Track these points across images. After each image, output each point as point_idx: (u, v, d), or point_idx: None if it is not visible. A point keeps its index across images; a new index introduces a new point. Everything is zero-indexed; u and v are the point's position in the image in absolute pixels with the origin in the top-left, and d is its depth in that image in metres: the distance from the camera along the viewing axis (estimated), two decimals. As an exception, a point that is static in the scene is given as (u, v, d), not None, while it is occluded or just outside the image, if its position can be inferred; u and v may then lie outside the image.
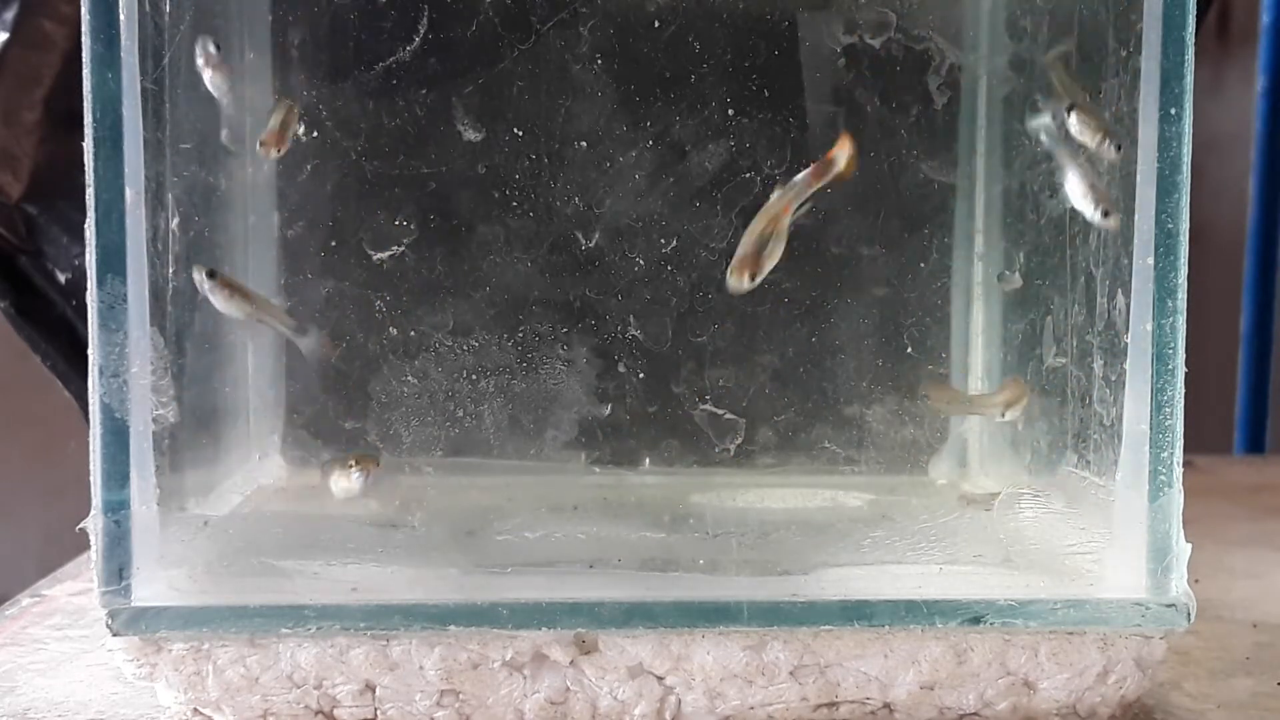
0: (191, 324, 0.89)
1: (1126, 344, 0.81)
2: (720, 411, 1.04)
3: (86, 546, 0.78)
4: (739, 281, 0.82)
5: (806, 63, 1.04)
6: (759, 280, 0.82)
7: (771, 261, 0.82)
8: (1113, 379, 0.85)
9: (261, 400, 1.06)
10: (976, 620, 0.79)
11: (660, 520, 0.95)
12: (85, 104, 0.75)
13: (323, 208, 1.03)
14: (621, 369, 1.04)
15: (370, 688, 0.80)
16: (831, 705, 0.81)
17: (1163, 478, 0.80)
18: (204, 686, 0.79)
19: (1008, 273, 1.03)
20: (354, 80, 1.01)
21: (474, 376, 1.03)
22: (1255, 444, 2.15)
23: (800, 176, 0.85)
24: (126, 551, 0.77)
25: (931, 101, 1.04)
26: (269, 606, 0.78)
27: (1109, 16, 0.85)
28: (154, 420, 0.78)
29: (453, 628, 0.78)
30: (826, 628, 0.80)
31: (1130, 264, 0.80)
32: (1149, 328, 0.79)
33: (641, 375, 1.04)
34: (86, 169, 0.76)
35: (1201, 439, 1.14)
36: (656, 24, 1.02)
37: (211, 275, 0.86)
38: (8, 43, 1.44)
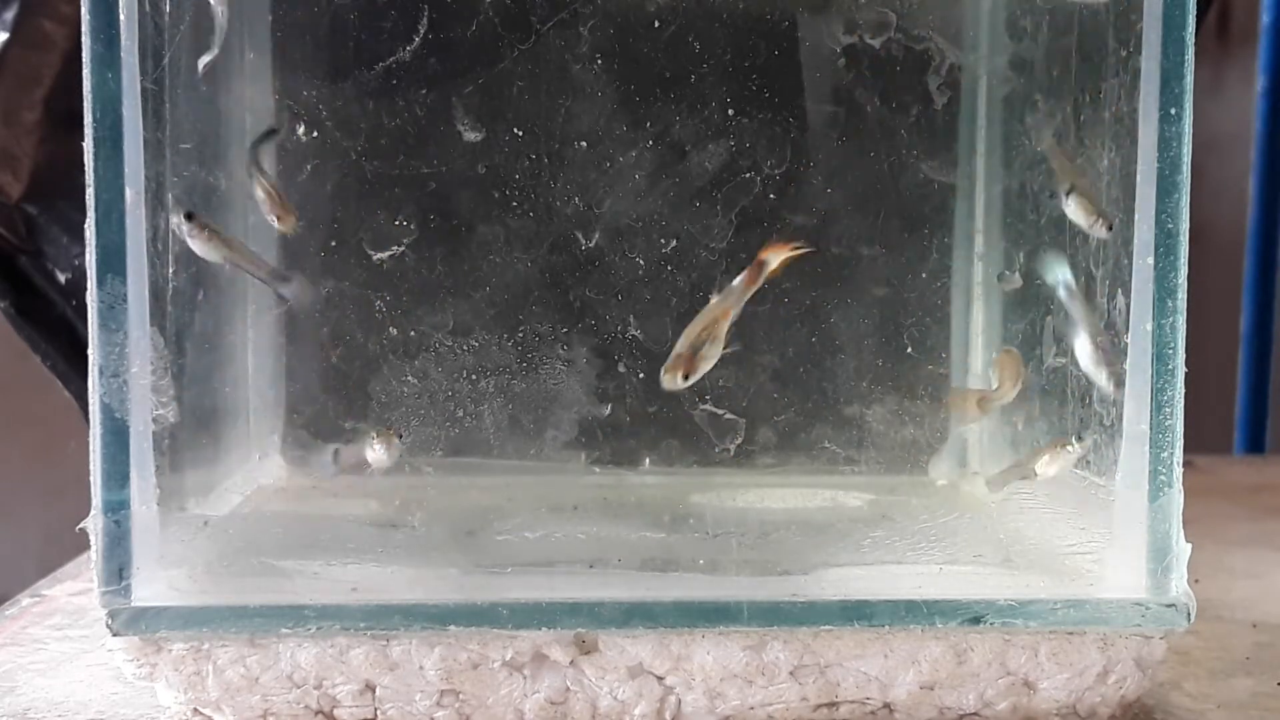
0: (191, 324, 0.89)
1: (1126, 344, 0.81)
2: (720, 411, 1.04)
3: (86, 546, 0.78)
4: (673, 381, 0.83)
5: (806, 63, 1.04)
6: (692, 381, 0.83)
7: (706, 364, 0.83)
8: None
9: (261, 400, 1.06)
10: (976, 620, 0.79)
11: (660, 520, 0.95)
12: (85, 104, 0.75)
13: (323, 208, 1.03)
14: (621, 369, 1.04)
15: (370, 688, 0.80)
16: (831, 705, 0.81)
17: (1163, 478, 0.80)
18: (204, 686, 0.79)
19: (1008, 273, 1.03)
20: (354, 80, 1.01)
21: (474, 376, 1.03)
22: (1255, 444, 2.15)
23: (736, 282, 0.86)
24: (126, 551, 0.77)
25: (931, 101, 1.04)
26: (269, 606, 0.78)
27: (1109, 16, 0.85)
28: (154, 420, 0.78)
29: (453, 628, 0.78)
30: (826, 628, 0.80)
31: (1130, 264, 0.80)
32: (1149, 328, 0.79)
33: (641, 375, 1.04)
34: (86, 169, 0.76)
35: (1201, 439, 1.14)
36: (656, 24, 1.02)
37: (190, 218, 0.83)
38: (8, 43, 1.44)
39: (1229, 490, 1.61)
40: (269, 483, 1.05)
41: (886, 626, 0.80)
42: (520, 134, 1.02)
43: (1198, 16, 0.79)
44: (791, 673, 0.80)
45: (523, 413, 1.04)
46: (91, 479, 0.77)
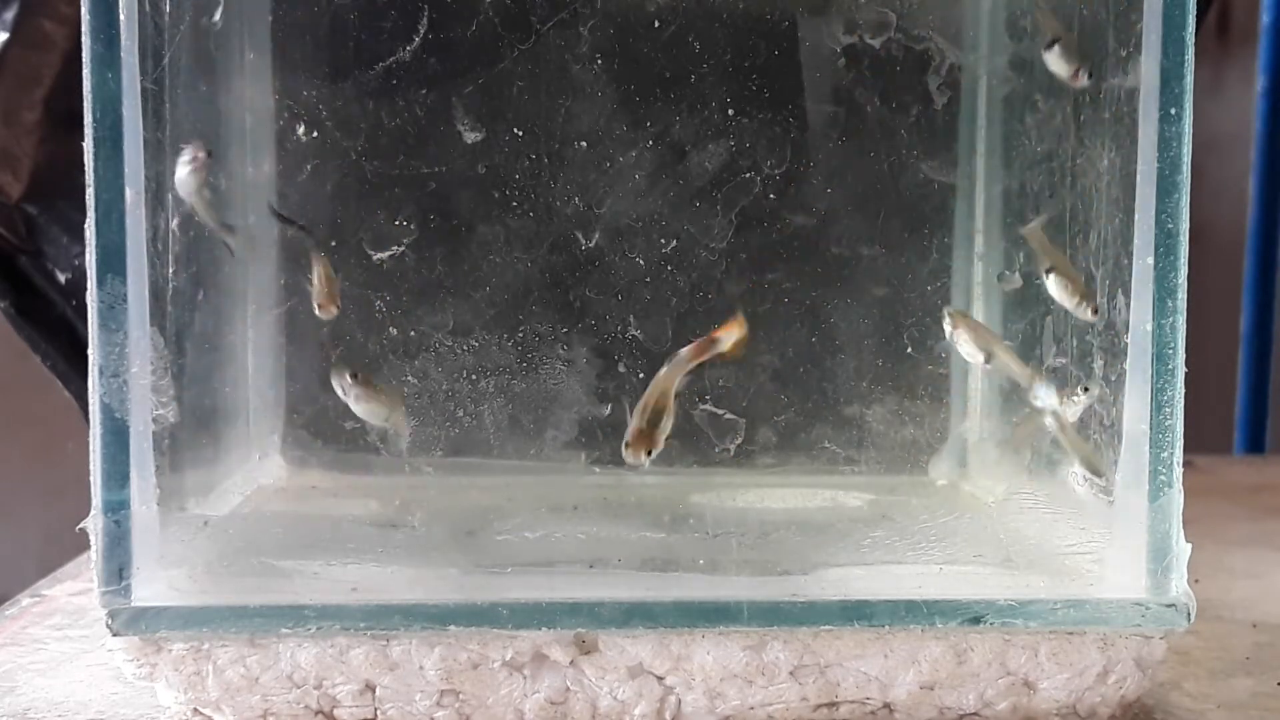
0: (191, 324, 0.89)
1: (1126, 344, 0.81)
2: (720, 411, 1.04)
3: (86, 546, 0.78)
4: (636, 458, 0.83)
5: (806, 63, 1.04)
6: (652, 458, 0.84)
7: (664, 434, 0.84)
8: (1113, 379, 0.85)
9: (261, 400, 1.06)
10: (976, 620, 0.79)
11: (660, 520, 0.95)
12: (85, 104, 0.75)
13: (323, 208, 1.03)
14: (621, 369, 1.04)
15: (370, 688, 0.80)
16: (831, 705, 0.81)
17: (1163, 478, 0.80)
18: (204, 686, 0.79)
19: (1008, 273, 1.03)
20: (354, 80, 1.01)
21: (474, 376, 1.03)
22: (1255, 444, 2.15)
23: (684, 351, 0.87)
24: (126, 551, 0.77)
25: (931, 101, 1.04)
26: (269, 606, 0.78)
27: (1109, 16, 0.85)
28: (154, 420, 0.78)
29: (453, 628, 0.78)
30: (826, 628, 0.80)
31: (1130, 264, 0.80)
32: (1149, 328, 0.79)
33: (641, 375, 1.04)
34: (86, 169, 0.76)
35: (1201, 439, 1.14)
36: (656, 24, 1.02)
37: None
38: (8, 43, 1.44)
39: (1229, 490, 1.61)
40: (269, 483, 1.05)
41: (886, 626, 0.80)
42: (520, 134, 1.02)
43: (1198, 16, 0.79)
44: (791, 673, 0.80)
45: (523, 413, 1.04)
46: (91, 479, 0.77)
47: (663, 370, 0.86)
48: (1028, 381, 0.93)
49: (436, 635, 0.79)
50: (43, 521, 1.84)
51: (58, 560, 1.22)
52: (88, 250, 0.76)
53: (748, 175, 1.03)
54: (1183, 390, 0.80)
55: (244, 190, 1.02)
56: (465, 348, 1.03)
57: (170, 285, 0.83)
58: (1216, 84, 2.15)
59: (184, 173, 0.83)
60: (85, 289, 0.77)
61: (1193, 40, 0.78)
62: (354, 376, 0.88)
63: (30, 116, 1.47)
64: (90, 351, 0.77)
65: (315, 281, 0.92)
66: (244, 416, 1.05)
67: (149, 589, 0.78)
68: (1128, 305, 0.80)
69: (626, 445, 0.83)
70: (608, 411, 1.04)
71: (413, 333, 1.03)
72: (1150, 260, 0.79)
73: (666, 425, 0.84)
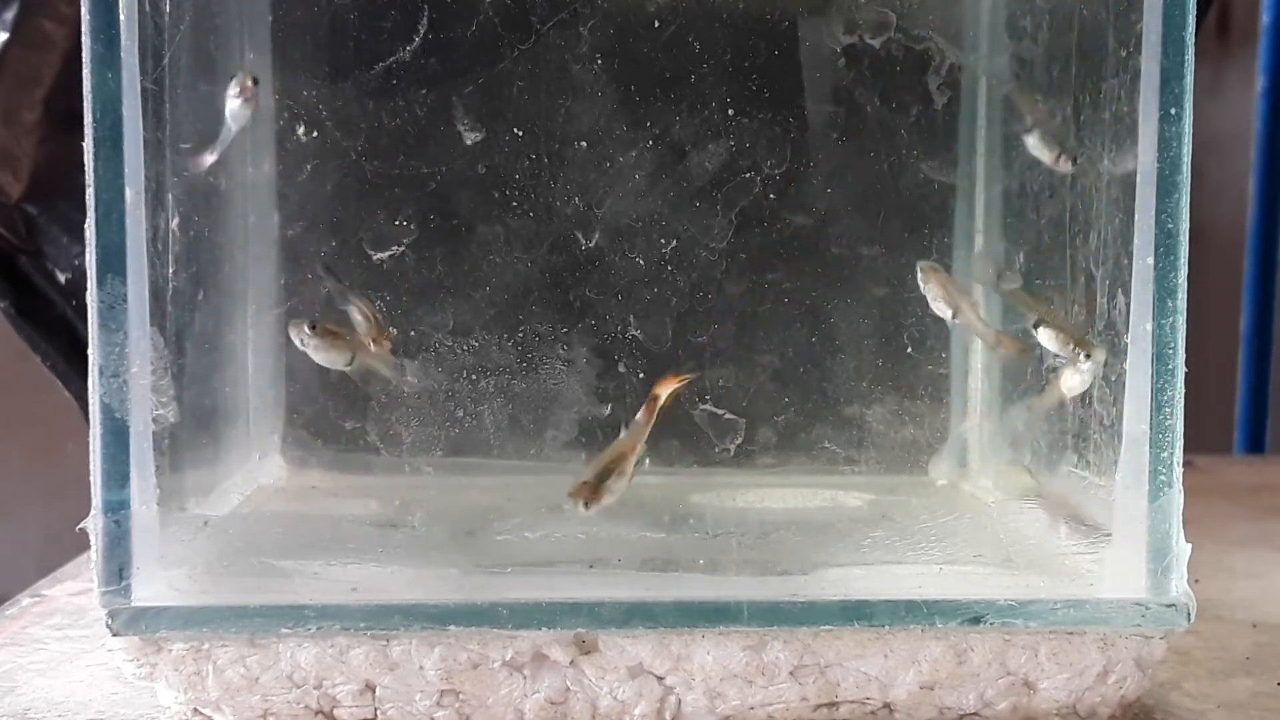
0: (191, 324, 0.89)
1: (1126, 344, 0.81)
2: (720, 411, 1.04)
3: (86, 546, 0.78)
4: (575, 507, 0.84)
5: (806, 63, 1.04)
6: (594, 510, 0.84)
7: (610, 497, 0.85)
8: (1113, 379, 0.85)
9: (261, 400, 1.06)
10: (976, 620, 0.79)
11: (660, 520, 0.95)
12: (85, 104, 0.75)
13: (323, 208, 1.03)
14: (621, 369, 1.04)
15: (370, 688, 0.80)
16: (831, 705, 0.81)
17: (1163, 478, 0.80)
18: (204, 686, 0.79)
19: (1008, 272, 1.03)
20: (354, 80, 1.01)
21: (474, 376, 1.03)
22: (1255, 444, 2.15)
23: (640, 415, 0.90)
24: (126, 551, 0.77)
25: (931, 101, 1.03)
26: (269, 606, 0.78)
27: (1109, 16, 0.85)
28: (154, 420, 0.78)
29: (453, 628, 0.78)
30: (826, 628, 0.80)
31: (1130, 264, 0.80)
32: (1149, 328, 0.79)
33: (641, 375, 1.04)
34: (86, 169, 0.76)
35: (1201, 439, 1.14)
36: (656, 24, 1.02)
37: None
38: (8, 43, 1.44)
39: (1229, 490, 1.61)
40: (269, 483, 1.05)
41: (886, 626, 0.80)
42: (520, 134, 1.02)
43: (1198, 16, 0.79)
44: (791, 673, 0.80)
45: (523, 413, 1.04)
46: (91, 479, 0.77)
47: (624, 434, 0.89)
48: (992, 339, 0.95)
49: (436, 635, 0.79)
50: (43, 521, 1.84)
51: (58, 560, 1.22)
52: (88, 250, 0.76)
53: (748, 175, 1.03)
54: (1183, 390, 0.80)
55: (244, 190, 1.02)
56: (465, 348, 1.03)
57: (170, 285, 0.83)
58: (1216, 84, 2.14)
59: (236, 105, 0.85)
60: (85, 289, 0.76)
61: (1193, 40, 0.78)
62: (311, 328, 0.87)
63: (30, 116, 1.47)
64: (90, 351, 0.77)
65: (359, 320, 0.92)
66: (244, 416, 1.05)
67: (149, 589, 0.78)
68: (1128, 305, 0.80)
69: (569, 494, 0.84)
70: (608, 411, 1.04)
71: (413, 333, 1.03)
72: (1150, 260, 0.79)
73: (617, 488, 0.85)
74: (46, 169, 1.49)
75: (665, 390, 0.91)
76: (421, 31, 0.99)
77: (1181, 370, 0.79)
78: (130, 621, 0.77)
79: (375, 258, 1.02)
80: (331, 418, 1.05)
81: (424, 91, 1.01)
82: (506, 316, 1.04)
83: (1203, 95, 1.61)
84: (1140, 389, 0.80)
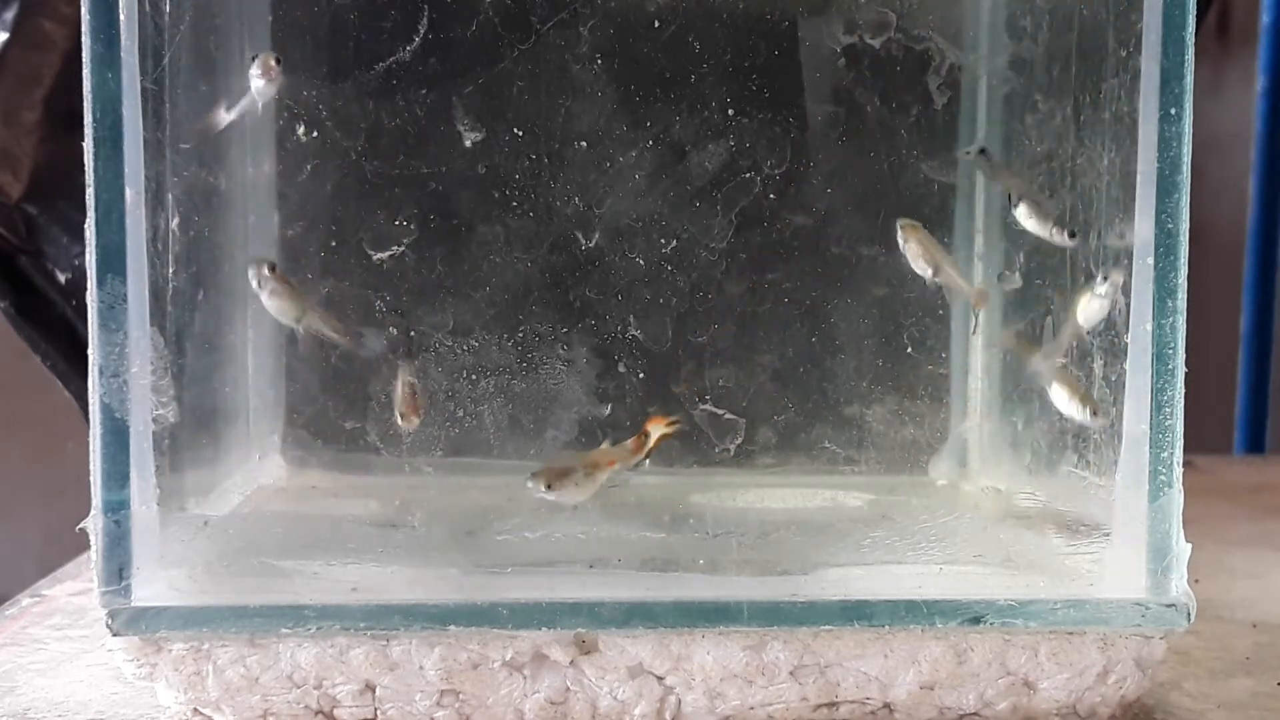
0: (191, 324, 0.89)
1: (1126, 344, 0.81)
2: (720, 411, 1.04)
3: (86, 546, 0.78)
4: (536, 488, 0.85)
5: (806, 63, 1.04)
6: (554, 495, 0.85)
7: (569, 493, 0.86)
8: (1113, 379, 0.85)
9: (261, 400, 1.06)
10: (976, 620, 0.79)
11: (660, 520, 0.95)
12: (85, 104, 0.75)
13: (323, 208, 1.03)
14: (621, 369, 1.04)
15: (370, 688, 0.80)
16: (831, 705, 0.81)
17: (1163, 478, 0.80)
18: (204, 686, 0.79)
19: (1007, 273, 1.03)
20: (354, 80, 1.01)
21: (474, 376, 1.03)
22: (1255, 444, 2.15)
23: (631, 442, 0.92)
24: (126, 551, 0.77)
25: (931, 101, 1.03)
26: (269, 606, 0.78)
27: (1109, 16, 0.85)
28: (154, 420, 0.78)
29: (453, 628, 0.78)
30: (826, 628, 0.80)
31: (1130, 264, 0.80)
32: (1149, 328, 0.79)
33: (641, 375, 1.04)
34: (86, 169, 0.76)
35: (1201, 439, 1.14)
36: (656, 24, 1.02)
37: None
38: (8, 43, 1.44)
39: (1229, 490, 1.61)
40: (269, 483, 1.05)
41: (886, 626, 0.80)
42: (520, 134, 1.02)
43: (1198, 16, 0.79)
44: (791, 673, 0.80)
45: (523, 413, 1.03)
46: (91, 479, 0.77)
47: (609, 446, 0.91)
48: (974, 297, 0.95)
49: (436, 635, 0.79)
50: (43, 521, 1.84)
51: (58, 560, 1.22)
52: (88, 250, 0.76)
53: (748, 175, 1.03)
54: (1183, 390, 0.80)
55: (244, 190, 1.02)
56: (465, 348, 1.03)
57: (170, 285, 0.83)
58: (1216, 84, 2.14)
59: (262, 84, 0.86)
60: (85, 289, 0.76)
61: (1193, 40, 0.78)
62: (271, 268, 0.87)
63: (30, 116, 1.47)
64: (90, 351, 0.77)
65: (398, 390, 0.92)
66: (244, 416, 1.05)
67: (149, 589, 0.78)
68: (1128, 305, 0.80)
69: (531, 475, 0.84)
70: (608, 411, 1.04)
71: (413, 333, 1.03)
72: (1150, 260, 0.79)
73: (582, 483, 0.86)
74: (46, 169, 1.49)
75: (656, 431, 0.93)
76: (421, 31, 0.99)
77: (1181, 370, 0.79)
78: (130, 621, 0.77)
79: (375, 258, 1.02)
80: (331, 418, 1.05)
81: (424, 91, 1.01)
82: (506, 316, 1.04)
83: (1203, 95, 1.62)
84: (1140, 389, 0.80)
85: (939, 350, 1.08)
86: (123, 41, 0.75)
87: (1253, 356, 2.14)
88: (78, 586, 1.12)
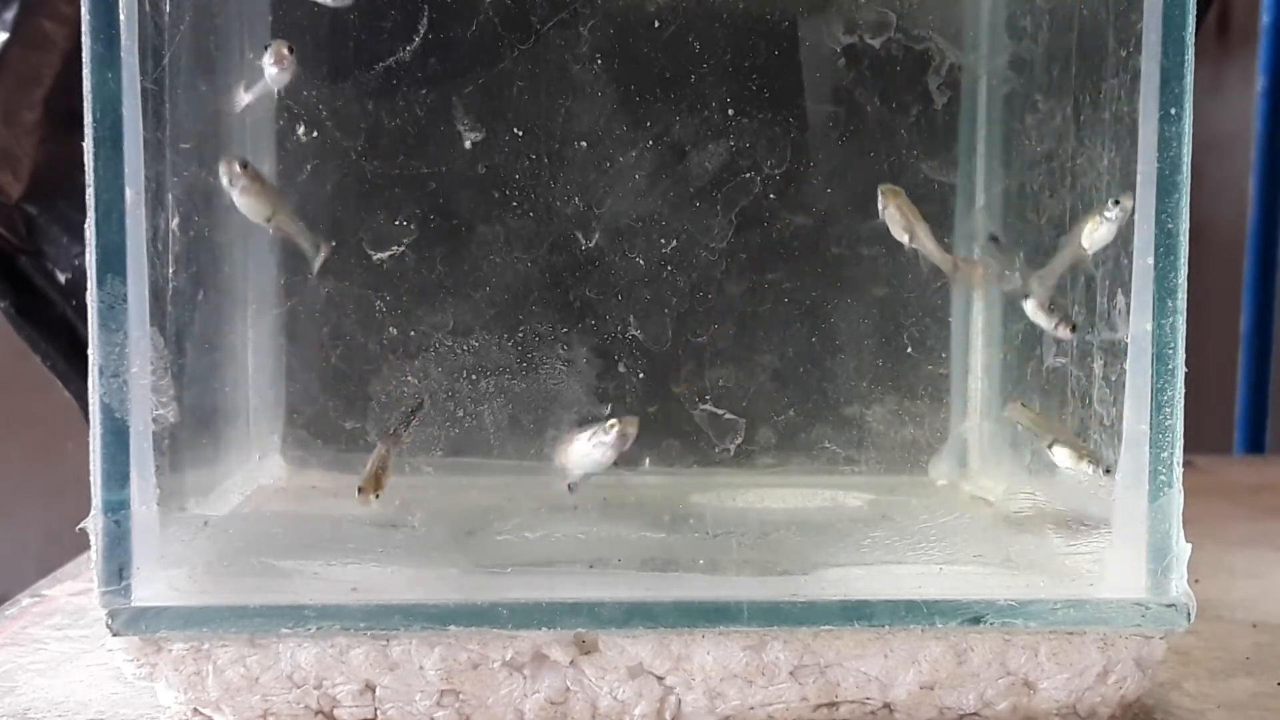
0: (191, 324, 0.89)
1: (1126, 344, 0.81)
2: (720, 411, 1.04)
3: (86, 546, 0.78)
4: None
5: (806, 63, 1.04)
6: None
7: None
8: (1113, 379, 0.85)
9: (261, 400, 1.06)
10: (976, 620, 0.79)
11: (660, 520, 0.95)
12: (85, 104, 0.75)
13: (323, 208, 1.03)
14: (621, 369, 1.04)
15: (370, 688, 0.80)
16: (831, 705, 0.81)
17: (1163, 478, 0.80)
18: (204, 686, 0.79)
19: (1007, 272, 1.03)
20: (354, 80, 1.01)
21: (474, 376, 1.03)
22: (1255, 444, 2.15)
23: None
24: (126, 551, 0.77)
25: (931, 101, 1.04)
26: (269, 606, 0.78)
27: (1109, 16, 0.85)
28: (154, 420, 0.78)
29: (453, 628, 0.78)
30: (826, 628, 0.80)
31: (1130, 264, 0.80)
32: (1149, 328, 0.79)
33: (641, 375, 1.04)
34: (86, 169, 0.76)
35: (1201, 439, 1.14)
36: (656, 24, 1.02)
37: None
38: (8, 43, 1.44)
39: (1229, 490, 1.61)
40: (269, 483, 1.05)
41: (886, 626, 0.80)
42: (520, 134, 1.02)
43: (1198, 16, 0.79)
44: (791, 673, 0.80)
45: (523, 413, 1.04)
46: (91, 479, 0.77)
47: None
48: (948, 266, 0.95)
49: (436, 635, 0.79)
50: (43, 521, 1.84)
51: (58, 560, 1.22)
52: (88, 250, 0.76)
53: (748, 175, 1.03)
54: (1183, 390, 0.80)
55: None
56: (465, 348, 1.03)
57: (170, 285, 0.83)
58: (1216, 84, 2.14)
59: (274, 71, 0.87)
60: (85, 289, 0.76)
61: (1193, 40, 0.78)
62: (243, 165, 0.86)
63: (30, 116, 1.47)
64: (90, 351, 0.77)
65: (368, 465, 0.92)
66: (244, 416, 1.05)
67: (149, 589, 0.78)
68: (1128, 305, 0.80)
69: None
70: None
71: (413, 333, 1.03)
72: (1150, 260, 0.79)
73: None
74: (46, 169, 1.48)
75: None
76: (421, 31, 0.99)
77: (1181, 370, 0.79)
78: (130, 621, 0.77)
79: (375, 258, 1.02)
80: (331, 418, 1.05)
81: (424, 91, 1.01)
82: (506, 316, 1.04)
83: (1203, 95, 1.62)
84: (1140, 389, 0.80)
85: (939, 350, 1.08)
86: (123, 41, 0.75)
87: (1253, 356, 2.14)
88: (78, 586, 1.12)
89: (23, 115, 1.46)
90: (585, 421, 1.01)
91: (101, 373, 0.77)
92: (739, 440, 1.05)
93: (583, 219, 1.03)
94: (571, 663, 0.80)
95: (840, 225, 1.06)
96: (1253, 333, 2.14)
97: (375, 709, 0.80)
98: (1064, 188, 0.94)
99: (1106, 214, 0.83)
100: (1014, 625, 0.80)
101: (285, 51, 0.87)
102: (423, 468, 1.02)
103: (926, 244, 0.94)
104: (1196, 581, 0.82)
